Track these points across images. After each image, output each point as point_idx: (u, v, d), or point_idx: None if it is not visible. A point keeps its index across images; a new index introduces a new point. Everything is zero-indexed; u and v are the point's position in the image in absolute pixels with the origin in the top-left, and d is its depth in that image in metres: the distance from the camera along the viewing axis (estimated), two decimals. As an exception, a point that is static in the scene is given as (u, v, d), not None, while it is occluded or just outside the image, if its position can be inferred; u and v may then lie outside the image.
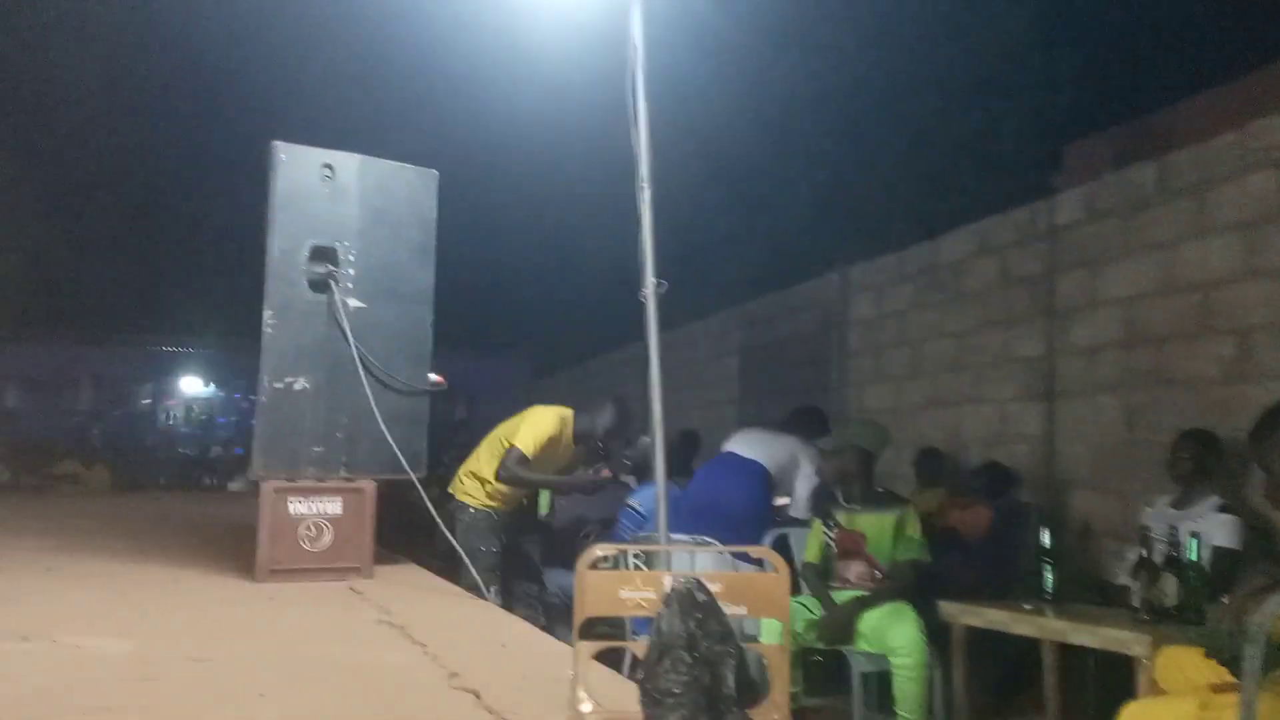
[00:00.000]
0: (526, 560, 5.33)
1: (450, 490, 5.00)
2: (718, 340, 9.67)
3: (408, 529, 5.69)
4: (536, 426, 4.84)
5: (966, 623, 3.97)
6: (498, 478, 4.78)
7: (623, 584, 1.73)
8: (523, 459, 4.73)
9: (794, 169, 7.53)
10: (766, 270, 8.48)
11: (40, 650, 2.77)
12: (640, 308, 3.54)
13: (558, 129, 7.51)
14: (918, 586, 4.21)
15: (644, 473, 5.41)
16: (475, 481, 4.91)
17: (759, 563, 3.92)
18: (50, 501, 10.19)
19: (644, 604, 1.71)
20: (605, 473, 4.99)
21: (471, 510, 4.83)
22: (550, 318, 12.95)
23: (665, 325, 3.57)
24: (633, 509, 5.16)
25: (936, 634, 4.00)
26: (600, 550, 1.88)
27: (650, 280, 3.56)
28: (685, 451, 6.51)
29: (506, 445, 4.80)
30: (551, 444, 4.87)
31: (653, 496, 4.95)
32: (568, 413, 5.01)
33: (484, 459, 4.92)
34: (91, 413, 14.05)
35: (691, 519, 4.53)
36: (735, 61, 6.46)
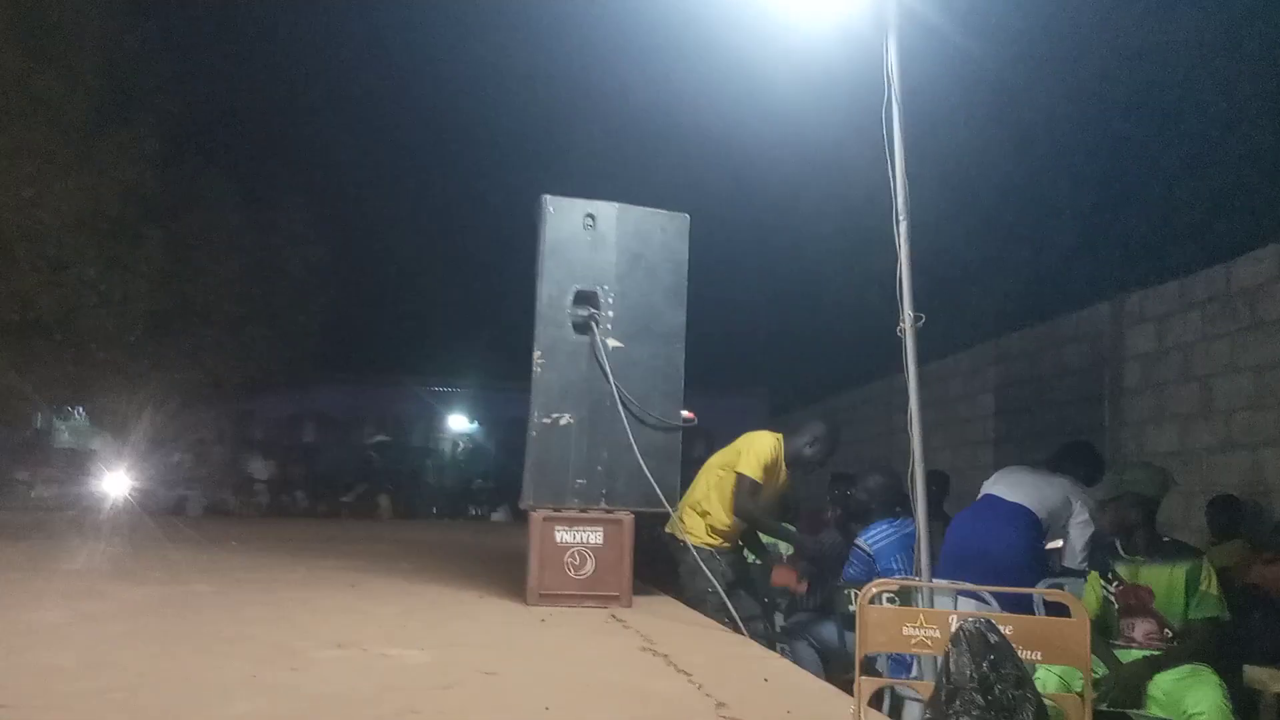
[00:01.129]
0: (748, 601, 5.13)
1: (668, 529, 4.83)
2: (971, 377, 9.21)
3: (653, 564, 5.80)
4: (759, 452, 4.73)
5: (1279, 690, 3.50)
6: (735, 512, 4.74)
7: (906, 621, 1.70)
8: (755, 487, 4.67)
9: (1057, 192, 7.08)
10: (1026, 301, 8.00)
11: (353, 657, 3.11)
12: (883, 343, 3.47)
13: (802, 166, 7.55)
14: (1216, 648, 3.76)
15: (869, 514, 5.20)
16: (696, 517, 4.78)
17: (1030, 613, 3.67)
18: (343, 526, 11.41)
19: (928, 642, 1.67)
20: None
21: (694, 549, 4.65)
22: (789, 354, 12.91)
23: (916, 362, 3.48)
24: (861, 549, 4.95)
25: (1239, 701, 3.55)
26: (877, 587, 1.86)
27: (908, 314, 3.50)
28: (933, 494, 6.22)
29: (733, 475, 4.70)
30: (771, 470, 4.76)
31: (881, 536, 4.80)
32: (780, 436, 4.92)
33: (704, 492, 4.83)
34: (374, 447, 15.65)
35: (952, 567, 4.32)
36: (991, 84, 6.21)
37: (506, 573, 5.25)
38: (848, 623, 4.41)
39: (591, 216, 4.70)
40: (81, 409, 13.12)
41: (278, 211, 14.34)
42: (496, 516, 13.82)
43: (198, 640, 3.34)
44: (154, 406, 12.51)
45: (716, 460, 4.95)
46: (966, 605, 3.82)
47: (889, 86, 3.35)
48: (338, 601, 4.48)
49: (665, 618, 4.29)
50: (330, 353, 15.69)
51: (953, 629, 1.61)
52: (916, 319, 3.49)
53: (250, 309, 13.60)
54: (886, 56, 3.38)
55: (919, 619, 1.68)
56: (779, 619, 5.23)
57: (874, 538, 4.85)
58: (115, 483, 11.87)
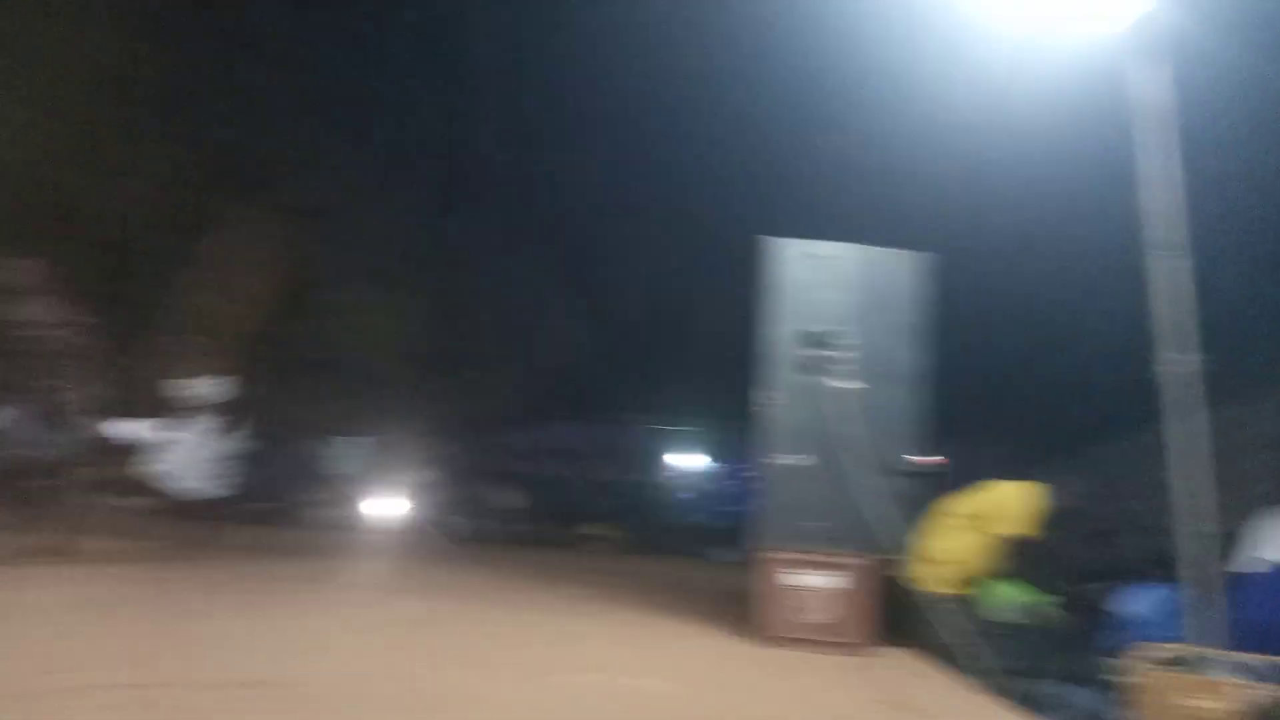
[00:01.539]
0: (995, 655, 4.78)
1: (908, 576, 4.61)
2: (1257, 426, 8.19)
3: (890, 611, 5.56)
4: (1023, 509, 4.47)
5: None
6: (1016, 574, 4.49)
7: (1186, 691, 1.56)
8: (1032, 546, 4.40)
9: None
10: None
11: (598, 684, 3.25)
12: (1150, 390, 3.22)
13: (1059, 197, 7.12)
14: None
15: (1130, 575, 4.72)
16: (940, 566, 4.55)
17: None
18: (576, 558, 11.87)
19: (1211, 714, 1.52)
20: None
21: (941, 599, 4.45)
22: (1039, 399, 12.07)
23: (1189, 410, 3.20)
24: (1122, 612, 4.48)
25: None
26: (1151, 653, 1.73)
27: (1177, 356, 3.23)
28: (1209, 556, 5.54)
29: (989, 527, 4.47)
30: (1034, 524, 4.49)
31: (1145, 599, 4.33)
32: (1033, 487, 4.59)
33: (950, 541, 4.59)
34: (607, 482, 16.25)
35: (1239, 636, 3.85)
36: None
37: (736, 611, 5.26)
38: (1105, 689, 4.06)
39: (825, 257, 4.70)
40: (359, 439, 14.63)
41: (525, 263, 15.43)
42: (722, 556, 13.86)
43: (454, 653, 3.62)
44: (420, 438, 13.74)
45: (963, 509, 4.74)
46: (1255, 677, 3.41)
47: (1146, 110, 3.14)
48: (579, 629, 4.68)
49: (904, 669, 4.14)
50: (564, 392, 16.61)
51: (1245, 703, 1.46)
52: (1190, 361, 3.22)
53: (501, 352, 14.69)
54: (1145, 82, 3.17)
55: (1202, 689, 1.54)
56: (1026, 680, 4.88)
57: (1136, 601, 4.44)
58: (385, 507, 13.09)
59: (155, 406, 7.41)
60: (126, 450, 8.66)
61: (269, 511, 12.13)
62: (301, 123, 13.08)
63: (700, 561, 13.49)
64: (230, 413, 7.16)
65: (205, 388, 7.05)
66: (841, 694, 3.48)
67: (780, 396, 4.58)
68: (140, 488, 8.71)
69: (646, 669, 3.59)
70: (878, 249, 4.79)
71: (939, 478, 5.35)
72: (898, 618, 4.99)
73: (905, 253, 4.79)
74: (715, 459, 17.16)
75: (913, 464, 4.51)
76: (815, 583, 4.32)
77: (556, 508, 15.06)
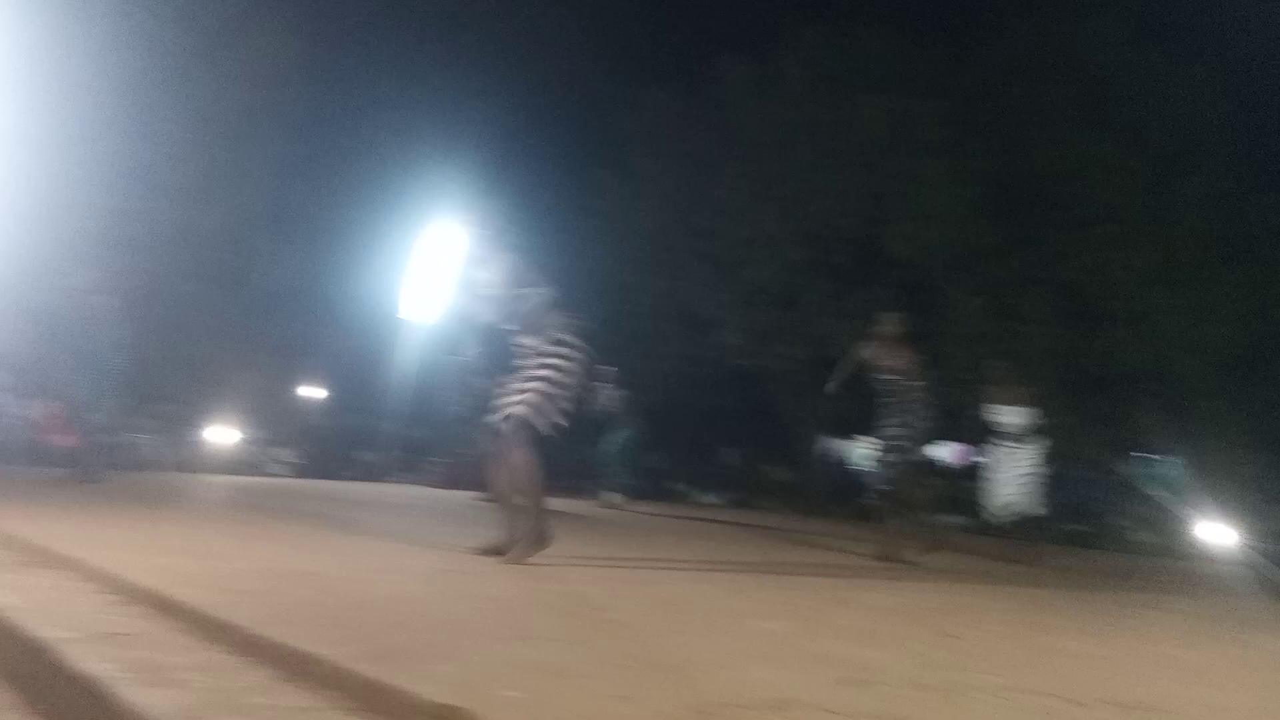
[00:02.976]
0: None
1: None
2: None
3: None
4: None
5: None
6: None
7: None
8: None
9: None
10: None
11: None
12: None
13: None
14: None
15: None
16: None
17: None
18: None
19: None
20: None
21: None
22: None
23: None
24: None
25: None
26: None
27: None
28: None
29: None
30: None
31: None
32: None
33: None
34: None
35: None
36: None
37: None
38: None
39: None
40: (1170, 457, 13.44)
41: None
42: None
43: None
44: (1244, 453, 11.97)
45: None
46: None
47: None
48: None
49: None
50: None
51: None
52: None
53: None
54: None
55: None
56: None
57: None
58: (1211, 531, 11.68)
59: (970, 431, 7.96)
60: (946, 471, 9.44)
61: (1081, 533, 11.85)
62: (1076, 134, 12.72)
63: None
64: (1037, 435, 7.31)
65: (1013, 413, 7.32)
66: None
67: None
68: (955, 506, 9.36)
69: None
70: None
71: None
72: None
73: None
74: None
75: None
76: None
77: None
